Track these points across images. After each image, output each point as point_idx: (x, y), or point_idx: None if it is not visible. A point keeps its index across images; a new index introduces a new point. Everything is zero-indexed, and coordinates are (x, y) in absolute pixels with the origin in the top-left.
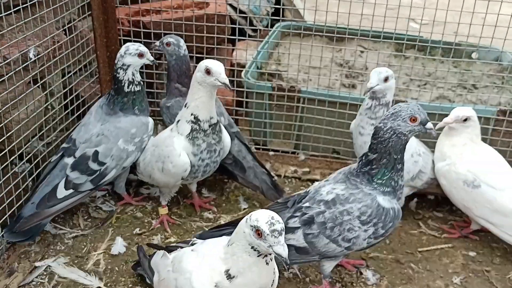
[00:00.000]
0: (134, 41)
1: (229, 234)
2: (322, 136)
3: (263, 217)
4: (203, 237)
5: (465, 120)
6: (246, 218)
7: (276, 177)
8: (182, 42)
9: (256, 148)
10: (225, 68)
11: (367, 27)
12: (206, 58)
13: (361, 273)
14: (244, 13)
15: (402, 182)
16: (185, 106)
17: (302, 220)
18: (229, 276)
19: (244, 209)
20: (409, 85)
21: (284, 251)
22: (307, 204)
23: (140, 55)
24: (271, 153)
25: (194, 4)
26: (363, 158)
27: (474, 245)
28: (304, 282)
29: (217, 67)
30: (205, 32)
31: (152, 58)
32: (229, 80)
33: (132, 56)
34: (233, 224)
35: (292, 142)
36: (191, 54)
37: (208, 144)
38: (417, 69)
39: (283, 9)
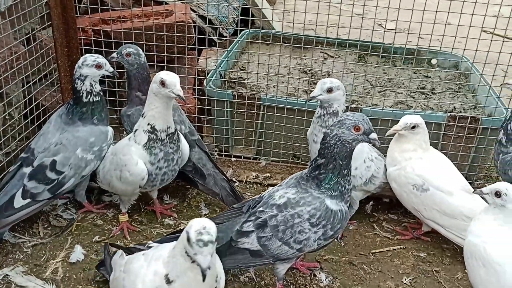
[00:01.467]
0: (96, 51)
1: None
2: (282, 142)
3: (196, 225)
4: (161, 242)
5: (414, 127)
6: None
7: (237, 183)
8: (140, 50)
9: (218, 155)
10: (189, 76)
11: (332, 35)
12: (169, 67)
13: (314, 276)
14: (211, 21)
15: (349, 186)
16: (142, 116)
17: (256, 224)
18: (168, 281)
19: (205, 214)
20: (370, 91)
21: (204, 262)
22: (260, 209)
23: (98, 66)
24: (233, 159)
25: (156, 14)
26: (313, 163)
27: (425, 246)
28: (259, 286)
29: (171, 78)
30: (165, 41)
31: (111, 70)
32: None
33: (90, 67)
34: None
35: (254, 148)
36: (153, 63)
37: (166, 153)
38: (378, 75)
39: (251, 16)
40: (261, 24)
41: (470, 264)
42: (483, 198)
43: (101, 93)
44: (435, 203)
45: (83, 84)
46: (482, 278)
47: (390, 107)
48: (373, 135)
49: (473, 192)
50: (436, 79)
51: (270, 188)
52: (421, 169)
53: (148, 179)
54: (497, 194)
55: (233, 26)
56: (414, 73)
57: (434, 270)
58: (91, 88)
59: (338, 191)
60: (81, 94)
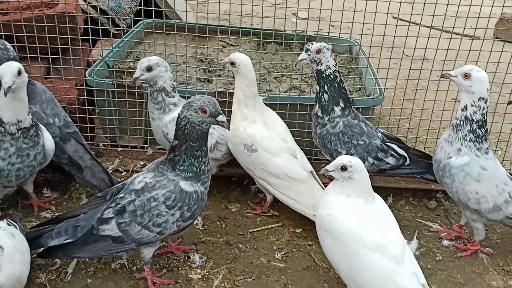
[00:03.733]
0: None
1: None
2: None
3: None
4: (28, 236)
5: (232, 64)
6: None
7: (124, 173)
8: (8, 44)
9: (105, 145)
10: (79, 68)
11: (246, 25)
12: (54, 59)
13: (188, 257)
14: (105, 11)
15: (206, 167)
16: None
17: (115, 210)
18: None
19: None
20: (267, 77)
21: None
22: (121, 195)
23: None
24: (119, 149)
25: (34, 5)
26: (171, 145)
27: (302, 222)
28: (131, 271)
29: (3, 71)
30: (47, 33)
31: None
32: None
33: None
34: (54, 221)
35: (141, 137)
36: (36, 56)
37: (18, 149)
38: (275, 62)
39: (155, 7)
40: (168, 14)
41: (320, 236)
42: (329, 176)
43: None
44: (263, 163)
45: None
46: (330, 248)
47: (285, 92)
48: (221, 118)
49: (319, 173)
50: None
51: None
52: (251, 131)
53: (1, 175)
54: (343, 168)
55: (130, 17)
56: None
57: (307, 244)
58: None
59: (193, 172)
60: None
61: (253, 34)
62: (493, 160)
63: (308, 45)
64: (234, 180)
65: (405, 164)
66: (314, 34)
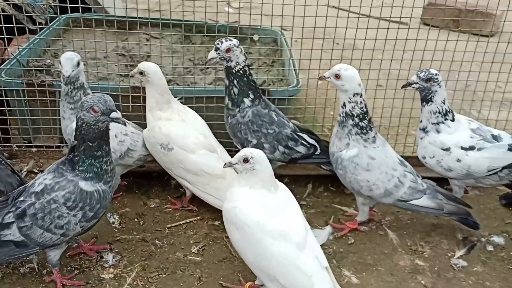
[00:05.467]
0: None
1: None
2: None
3: None
4: None
5: (141, 73)
6: None
7: (39, 174)
8: None
9: (17, 146)
10: None
11: (179, 17)
12: None
13: (101, 257)
14: (20, 7)
15: (108, 167)
16: None
17: (16, 215)
18: None
19: None
20: (192, 70)
21: None
22: (21, 198)
23: None
24: (34, 149)
25: None
26: (71, 145)
27: (222, 215)
28: (40, 275)
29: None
30: None
31: None
32: None
33: None
34: None
35: (57, 137)
36: None
37: None
38: (201, 54)
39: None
40: (96, 11)
41: (228, 229)
42: (235, 169)
43: None
44: (180, 161)
45: None
46: (237, 240)
47: (210, 84)
48: (114, 114)
49: (224, 166)
50: (256, 55)
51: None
52: (167, 130)
53: None
54: (245, 160)
55: (50, 12)
56: None
57: (225, 236)
58: None
59: (93, 172)
60: None
61: (178, 26)
62: (381, 147)
63: (218, 43)
64: (154, 176)
65: (316, 153)
66: (238, 25)
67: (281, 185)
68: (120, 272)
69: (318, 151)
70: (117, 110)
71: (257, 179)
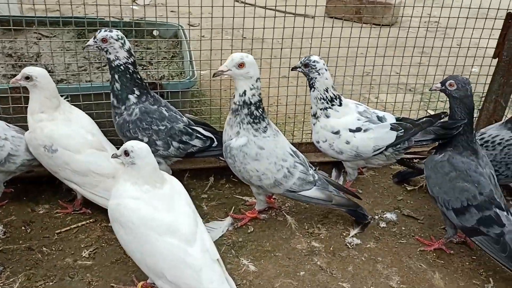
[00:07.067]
0: None
1: None
2: None
3: None
4: None
5: (27, 78)
6: None
7: None
8: None
9: None
10: None
11: (52, 15)
12: None
13: None
14: None
15: None
16: None
17: None
18: None
19: None
20: (87, 68)
21: None
22: None
23: None
24: None
25: None
26: None
27: None
28: None
29: None
30: None
31: None
32: None
33: None
34: None
35: None
36: None
37: None
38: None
39: None
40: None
41: (114, 228)
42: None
43: None
44: (66, 163)
45: None
46: (123, 238)
47: (108, 81)
48: None
49: (111, 156)
50: (156, 49)
51: None
52: (49, 131)
53: None
54: (126, 153)
55: None
56: (136, 45)
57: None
58: None
59: None
60: None
61: (71, 24)
62: (272, 137)
63: (97, 32)
64: (44, 181)
65: (213, 145)
66: (131, 20)
67: (170, 179)
68: (1, 284)
69: (215, 143)
70: None
71: (138, 174)
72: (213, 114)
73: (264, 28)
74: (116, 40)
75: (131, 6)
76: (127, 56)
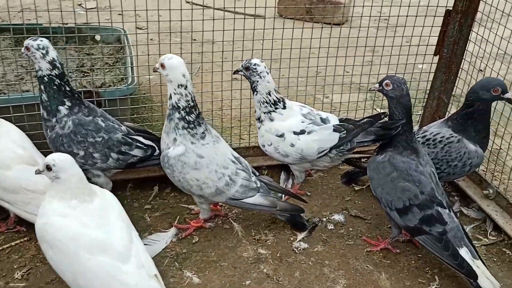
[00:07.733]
0: None
1: None
2: None
3: None
4: None
5: None
6: None
7: None
8: None
9: None
10: None
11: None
12: None
13: None
14: None
15: None
16: None
17: None
18: None
19: None
20: (24, 76)
21: None
22: None
23: None
24: None
25: None
26: None
27: None
28: None
29: None
30: None
31: None
32: None
33: None
34: None
35: None
36: None
37: None
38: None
39: None
40: None
41: (42, 248)
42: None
43: None
44: None
45: None
46: (53, 259)
47: None
48: None
49: (35, 172)
50: (99, 55)
51: None
52: None
53: None
54: (48, 167)
55: None
56: (76, 51)
57: None
58: None
59: None
60: None
61: (6, 30)
62: (211, 144)
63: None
64: None
65: (155, 154)
66: (74, 25)
67: (102, 192)
68: None
69: (157, 151)
70: None
71: (64, 189)
72: (160, 121)
73: (213, 31)
74: (37, 49)
75: (74, 11)
76: (49, 68)
